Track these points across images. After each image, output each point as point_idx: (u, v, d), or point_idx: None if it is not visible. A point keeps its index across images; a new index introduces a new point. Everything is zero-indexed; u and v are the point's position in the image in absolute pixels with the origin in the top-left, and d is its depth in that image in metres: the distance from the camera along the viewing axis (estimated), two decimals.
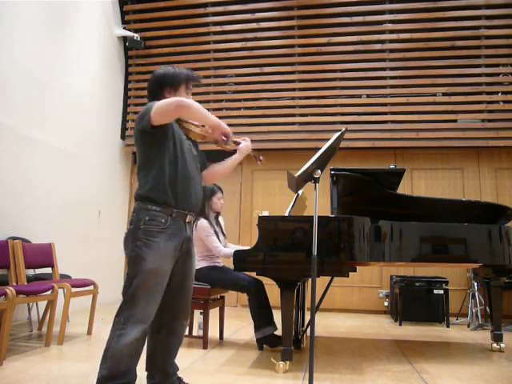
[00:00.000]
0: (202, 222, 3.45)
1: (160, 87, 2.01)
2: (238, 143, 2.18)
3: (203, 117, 1.92)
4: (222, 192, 3.65)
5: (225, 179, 6.44)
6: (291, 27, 5.97)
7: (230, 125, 2.10)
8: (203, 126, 2.03)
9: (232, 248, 3.47)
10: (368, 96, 5.81)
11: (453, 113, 5.59)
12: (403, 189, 4.97)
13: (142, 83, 6.34)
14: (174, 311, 2.02)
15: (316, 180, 2.12)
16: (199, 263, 3.45)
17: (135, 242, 1.86)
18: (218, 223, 3.63)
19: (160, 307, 1.97)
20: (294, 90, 5.97)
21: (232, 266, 2.94)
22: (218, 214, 3.67)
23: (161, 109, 1.82)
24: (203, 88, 6.11)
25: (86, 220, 5.27)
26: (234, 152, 2.19)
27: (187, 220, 1.99)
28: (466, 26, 5.54)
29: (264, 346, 3.24)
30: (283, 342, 2.68)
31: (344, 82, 5.86)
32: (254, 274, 2.94)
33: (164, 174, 1.89)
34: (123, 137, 6.35)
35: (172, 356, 2.06)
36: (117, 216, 6.09)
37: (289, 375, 2.60)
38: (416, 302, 4.78)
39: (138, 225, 1.87)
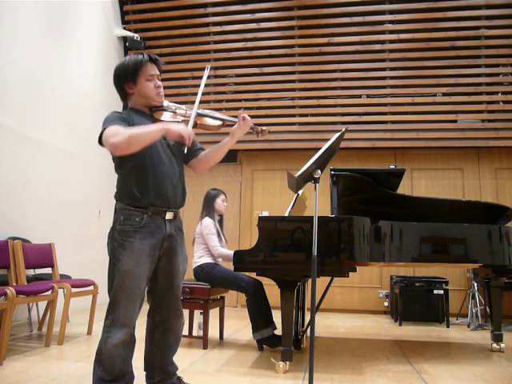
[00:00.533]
0: (207, 220, 3.50)
1: (119, 84, 1.92)
2: (223, 124, 2.00)
3: (145, 139, 1.71)
4: (225, 195, 3.70)
5: (225, 179, 6.39)
6: (291, 27, 5.97)
7: (229, 125, 2.08)
8: (175, 113, 1.94)
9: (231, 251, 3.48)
10: (368, 96, 5.81)
11: (453, 113, 5.60)
12: (403, 189, 4.97)
13: None
14: (165, 311, 1.99)
15: (316, 180, 2.12)
16: (200, 259, 3.47)
17: (112, 242, 1.86)
18: (221, 226, 3.67)
19: (151, 308, 1.98)
20: (294, 90, 5.97)
21: (231, 268, 2.95)
22: (221, 217, 3.71)
23: (104, 141, 1.72)
24: (203, 88, 6.11)
25: (85, 220, 5.26)
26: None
27: (167, 217, 1.90)
28: (466, 26, 5.53)
29: (264, 346, 3.24)
30: (283, 342, 2.68)
31: (344, 82, 5.86)
32: (254, 275, 2.94)
33: (131, 179, 1.84)
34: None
35: (170, 355, 2.04)
36: None
37: (289, 375, 2.60)
38: (416, 302, 4.78)
39: (115, 225, 1.86)
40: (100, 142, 1.78)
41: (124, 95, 1.94)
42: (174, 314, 2.02)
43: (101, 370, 1.78)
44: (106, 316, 1.83)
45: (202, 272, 3.40)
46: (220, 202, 3.62)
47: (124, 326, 1.80)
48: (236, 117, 2.04)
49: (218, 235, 3.52)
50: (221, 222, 3.70)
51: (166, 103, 1.98)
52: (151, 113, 1.95)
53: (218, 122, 2.02)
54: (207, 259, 3.46)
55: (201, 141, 2.23)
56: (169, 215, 1.91)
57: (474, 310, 4.61)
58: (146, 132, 1.73)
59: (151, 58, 1.92)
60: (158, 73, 1.95)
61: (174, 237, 1.94)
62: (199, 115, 1.99)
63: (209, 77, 6.14)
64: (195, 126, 1.95)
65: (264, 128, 2.09)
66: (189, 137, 1.75)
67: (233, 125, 2.04)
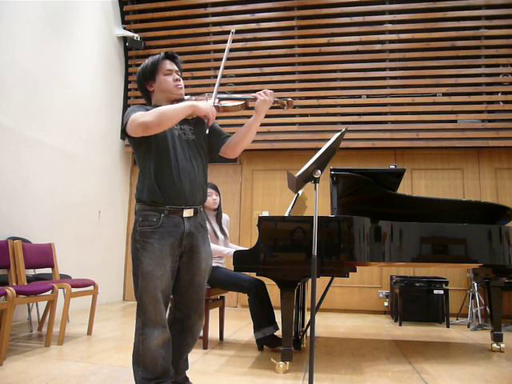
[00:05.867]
0: None
1: (141, 84, 2.03)
2: (246, 102, 1.97)
3: (175, 114, 1.77)
4: (213, 189, 3.48)
5: (225, 179, 6.39)
6: (291, 27, 5.97)
7: (229, 125, 2.08)
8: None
9: (230, 248, 3.46)
10: (368, 96, 5.81)
11: (453, 113, 5.60)
12: (403, 189, 4.97)
13: None
14: (185, 309, 1.98)
15: (316, 180, 2.12)
16: None
17: (135, 244, 1.88)
18: (217, 221, 3.54)
19: (172, 304, 2.00)
20: (294, 90, 5.97)
21: (230, 266, 2.94)
22: (217, 211, 3.56)
23: (130, 126, 1.78)
24: (203, 88, 6.11)
25: (86, 220, 5.26)
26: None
27: (185, 215, 1.88)
28: (465, 26, 5.54)
29: (264, 346, 3.24)
30: (283, 342, 2.68)
31: (344, 82, 5.86)
32: (253, 275, 2.94)
33: (150, 174, 1.85)
34: (123, 137, 6.34)
35: (183, 355, 2.03)
36: (117, 216, 6.08)
37: (289, 375, 2.60)
38: (416, 302, 4.78)
39: (136, 226, 1.89)
40: (124, 132, 1.83)
41: (147, 96, 2.02)
42: (195, 312, 1.99)
43: (142, 370, 1.81)
44: (136, 317, 1.86)
45: None
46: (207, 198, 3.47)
47: (157, 324, 1.83)
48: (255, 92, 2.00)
49: (214, 232, 3.41)
50: (218, 217, 3.53)
51: (186, 97, 2.01)
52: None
53: (239, 103, 2.00)
54: None
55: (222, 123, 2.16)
56: (187, 213, 1.89)
57: (473, 310, 4.61)
58: (176, 108, 1.79)
59: (168, 55, 2.00)
60: (177, 68, 2.01)
61: (194, 234, 1.92)
62: (220, 99, 1.98)
63: (209, 77, 6.21)
64: (218, 109, 1.94)
65: (289, 99, 2.01)
66: (213, 115, 1.83)
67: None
